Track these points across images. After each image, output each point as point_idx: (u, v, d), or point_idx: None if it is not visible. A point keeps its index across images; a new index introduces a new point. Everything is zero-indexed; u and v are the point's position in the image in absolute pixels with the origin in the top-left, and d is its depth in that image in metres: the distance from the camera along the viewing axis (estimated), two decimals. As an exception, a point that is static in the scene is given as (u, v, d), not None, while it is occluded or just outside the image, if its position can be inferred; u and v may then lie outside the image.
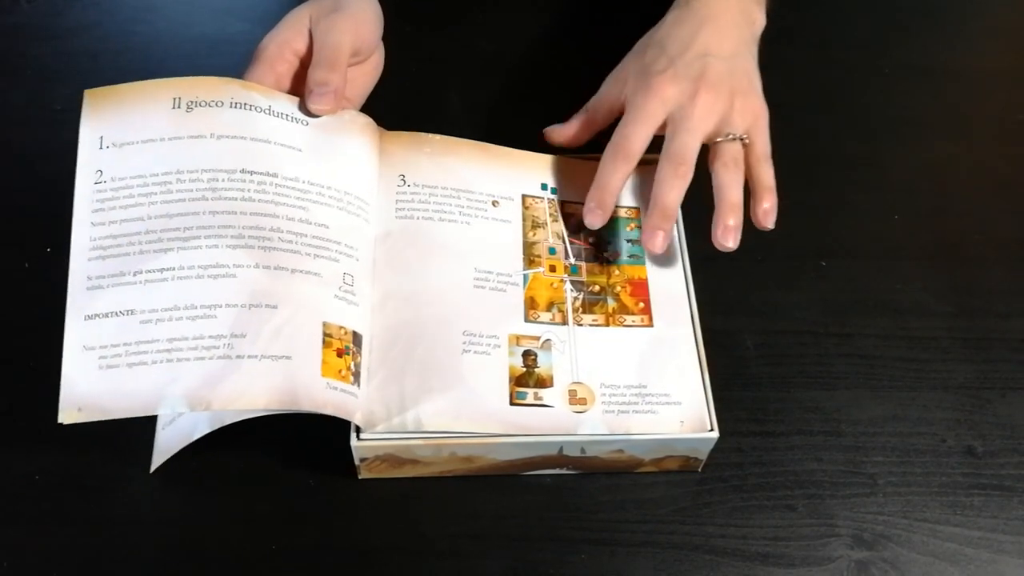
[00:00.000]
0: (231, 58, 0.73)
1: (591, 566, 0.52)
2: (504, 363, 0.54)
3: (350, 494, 0.54)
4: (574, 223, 0.60)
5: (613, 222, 0.60)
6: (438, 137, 0.61)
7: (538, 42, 0.77)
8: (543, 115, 0.65)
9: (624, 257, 0.60)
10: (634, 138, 0.58)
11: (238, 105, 0.55)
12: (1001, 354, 0.61)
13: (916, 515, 0.55)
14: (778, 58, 0.62)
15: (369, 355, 0.53)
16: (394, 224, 0.58)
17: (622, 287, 0.58)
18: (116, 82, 0.72)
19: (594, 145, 0.62)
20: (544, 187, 0.62)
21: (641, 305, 0.57)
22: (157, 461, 0.53)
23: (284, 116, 0.56)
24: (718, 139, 0.58)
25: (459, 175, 0.60)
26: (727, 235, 0.57)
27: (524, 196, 0.61)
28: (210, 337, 0.49)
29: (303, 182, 0.55)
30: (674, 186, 0.57)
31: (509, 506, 0.54)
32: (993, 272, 0.65)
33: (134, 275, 0.50)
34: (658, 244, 0.57)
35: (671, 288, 0.58)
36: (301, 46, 0.57)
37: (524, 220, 0.60)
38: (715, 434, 0.53)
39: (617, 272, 0.59)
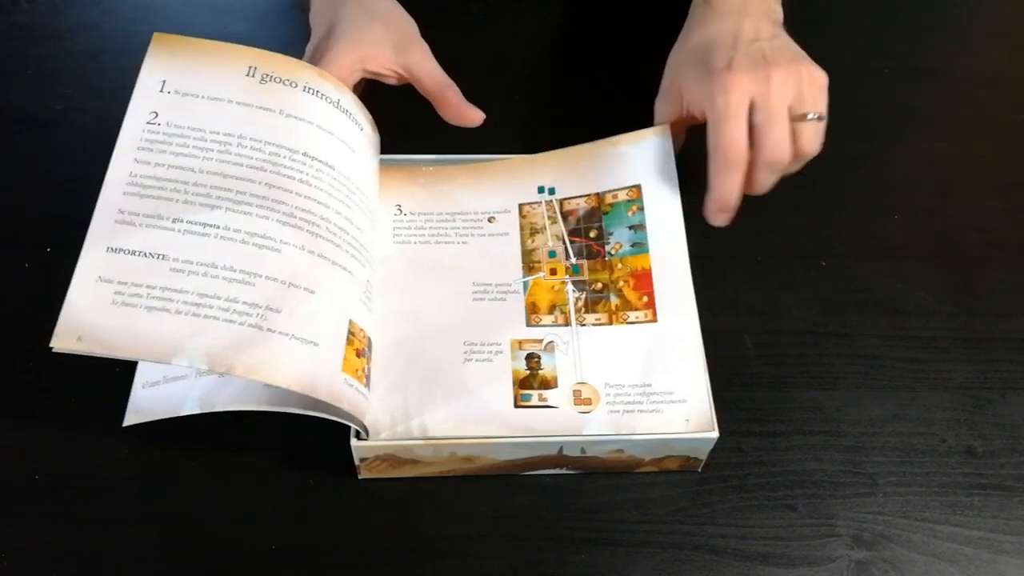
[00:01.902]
0: (231, 58, 0.74)
1: (591, 566, 0.52)
2: (507, 368, 0.54)
3: (350, 494, 0.54)
4: (574, 220, 0.61)
5: (613, 208, 0.60)
6: (431, 168, 0.62)
7: (539, 41, 0.77)
8: (544, 114, 0.65)
9: (627, 247, 0.59)
10: (736, 137, 0.57)
11: (311, 91, 0.56)
12: (1001, 354, 0.61)
13: (916, 515, 0.55)
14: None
15: (372, 368, 0.54)
16: (392, 248, 0.59)
17: (625, 281, 0.58)
18: (117, 82, 0.72)
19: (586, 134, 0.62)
20: (541, 190, 0.62)
21: (645, 299, 0.57)
22: (132, 419, 0.53)
23: (348, 114, 0.57)
24: (798, 117, 0.58)
25: (454, 199, 0.61)
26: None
27: (521, 205, 0.61)
28: (244, 303, 0.48)
29: (351, 182, 0.56)
30: (769, 179, 0.58)
31: (509, 506, 0.54)
32: (993, 272, 0.65)
33: (172, 222, 0.50)
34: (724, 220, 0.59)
35: (674, 278, 0.58)
36: (373, 66, 0.60)
37: (522, 229, 0.60)
38: (715, 434, 0.53)
39: (620, 266, 0.59)
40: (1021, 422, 0.59)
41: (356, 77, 0.60)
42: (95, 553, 0.51)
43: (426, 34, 0.63)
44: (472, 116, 0.61)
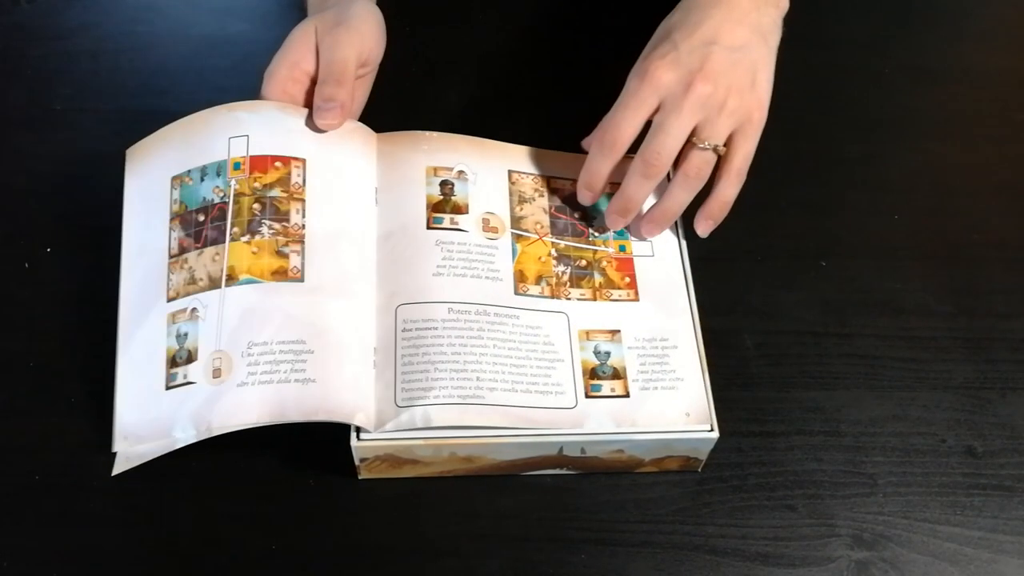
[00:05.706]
0: (231, 58, 0.74)
1: (591, 566, 0.52)
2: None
3: (350, 494, 0.54)
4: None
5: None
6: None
7: (537, 41, 0.77)
8: (543, 114, 0.65)
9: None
10: (624, 125, 0.56)
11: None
12: (1001, 354, 0.61)
13: (916, 515, 0.55)
14: (778, 58, 0.62)
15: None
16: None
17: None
18: (117, 82, 0.72)
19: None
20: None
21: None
22: (123, 466, 0.52)
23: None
24: (694, 141, 0.56)
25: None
26: (651, 230, 0.59)
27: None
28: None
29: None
30: (642, 185, 0.57)
31: (509, 506, 0.54)
32: (993, 272, 0.65)
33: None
34: (617, 224, 0.59)
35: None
36: (310, 66, 0.58)
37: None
38: (715, 434, 0.53)
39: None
40: (1021, 422, 0.59)
41: (300, 83, 0.58)
42: (95, 553, 0.51)
43: (425, 34, 0.63)
44: (323, 121, 0.57)
